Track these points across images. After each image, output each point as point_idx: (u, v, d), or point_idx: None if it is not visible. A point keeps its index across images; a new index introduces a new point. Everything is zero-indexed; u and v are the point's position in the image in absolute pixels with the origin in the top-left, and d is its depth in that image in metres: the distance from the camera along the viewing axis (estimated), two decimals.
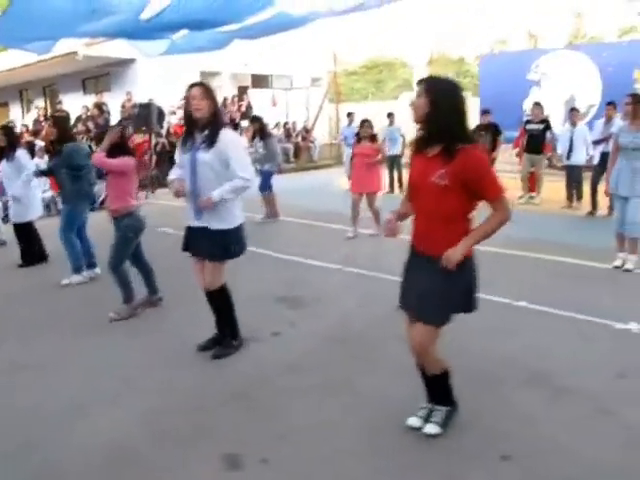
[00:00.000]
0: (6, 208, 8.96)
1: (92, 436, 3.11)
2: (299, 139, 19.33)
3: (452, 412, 3.07)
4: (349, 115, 13.89)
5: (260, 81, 20.93)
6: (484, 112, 11.02)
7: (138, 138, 13.80)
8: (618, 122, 7.10)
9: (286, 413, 3.30)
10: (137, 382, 3.77)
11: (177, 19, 7.81)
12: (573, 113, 9.67)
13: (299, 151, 18.70)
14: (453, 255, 2.61)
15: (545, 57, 14.87)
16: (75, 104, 16.98)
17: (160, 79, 16.34)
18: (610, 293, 5.23)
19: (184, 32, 9.59)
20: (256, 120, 9.51)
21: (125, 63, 16.63)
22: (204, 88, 3.80)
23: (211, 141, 3.72)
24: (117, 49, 14.03)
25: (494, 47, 33.72)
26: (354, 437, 3.03)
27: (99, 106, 15.40)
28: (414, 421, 3.03)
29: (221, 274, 4.01)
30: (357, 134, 8.37)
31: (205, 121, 3.77)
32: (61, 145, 5.96)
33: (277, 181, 9.50)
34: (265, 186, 9.12)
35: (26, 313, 5.25)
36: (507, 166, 12.20)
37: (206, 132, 3.77)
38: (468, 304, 2.86)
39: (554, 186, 10.29)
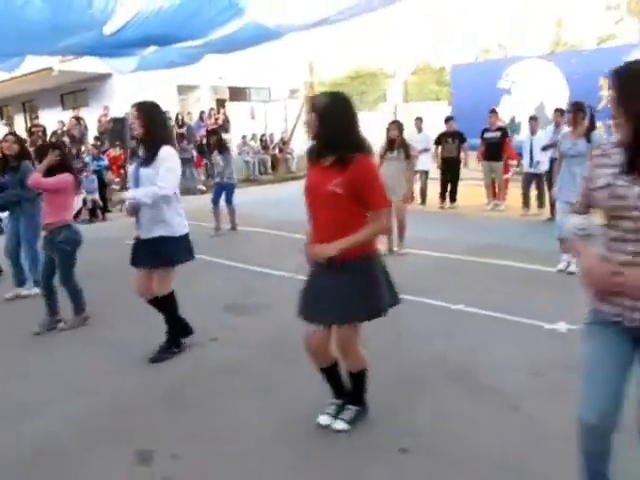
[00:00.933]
0: None
1: (18, 439, 3.23)
2: (276, 151, 19.48)
3: (361, 412, 3.22)
4: None
5: (238, 94, 21.12)
6: (448, 119, 11.26)
7: (114, 152, 13.95)
8: (566, 128, 7.25)
9: (208, 413, 3.43)
10: (75, 387, 3.89)
11: (139, 34, 7.93)
12: (532, 122, 9.86)
13: (276, 163, 18.84)
14: (321, 250, 2.77)
15: (515, 66, 15.15)
16: (54, 119, 17.11)
17: (137, 94, 16.45)
18: (547, 295, 5.39)
19: (153, 48, 9.74)
20: (214, 134, 9.68)
21: (102, 78, 16.76)
22: (137, 108, 4.03)
23: (150, 157, 3.97)
24: (92, 65, 14.10)
25: (479, 56, 34.09)
26: (268, 436, 3.16)
27: (77, 118, 15.58)
28: (324, 419, 3.16)
29: (168, 282, 4.20)
30: None
31: (142, 138, 4.04)
32: (19, 162, 6.06)
33: (254, 193, 9.63)
34: (218, 199, 9.26)
35: None
36: (476, 174, 12.37)
37: (146, 149, 4.04)
38: (392, 299, 2.98)
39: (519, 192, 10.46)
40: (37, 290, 6.17)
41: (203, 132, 16.67)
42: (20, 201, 6.06)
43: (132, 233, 4.25)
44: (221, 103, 19.83)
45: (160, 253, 4.05)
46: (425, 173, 11.55)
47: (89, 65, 14.35)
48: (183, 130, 17.35)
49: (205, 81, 19.34)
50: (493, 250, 7.23)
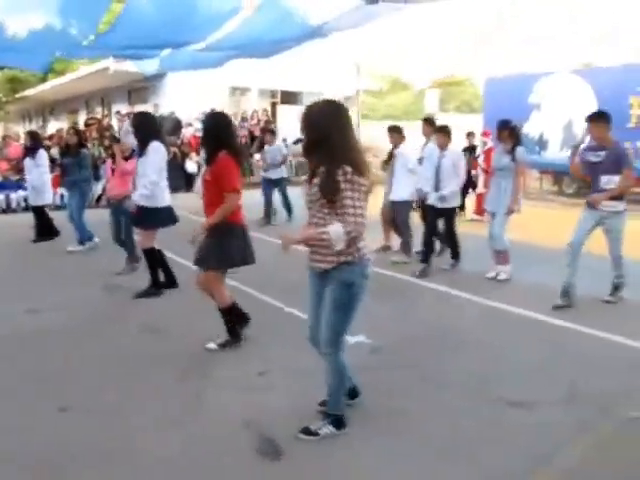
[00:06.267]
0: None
1: None
2: None
3: (230, 342, 4.34)
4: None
5: (290, 97, 21.97)
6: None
7: None
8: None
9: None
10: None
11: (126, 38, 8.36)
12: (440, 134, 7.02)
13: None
14: (198, 228, 4.14)
15: (546, 80, 14.84)
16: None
17: (190, 93, 17.78)
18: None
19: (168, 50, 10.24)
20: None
21: (159, 77, 17.96)
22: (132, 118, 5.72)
23: (143, 151, 5.55)
24: (140, 65, 15.41)
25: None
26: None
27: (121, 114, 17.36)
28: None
29: (148, 239, 5.66)
30: None
31: (137, 137, 5.68)
32: (77, 149, 7.93)
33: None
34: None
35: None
36: None
37: (140, 144, 5.65)
38: (242, 260, 4.20)
39: None
40: (80, 247, 8.06)
41: (245, 132, 17.67)
42: (76, 181, 7.93)
43: None
44: (272, 106, 20.77)
45: (138, 217, 5.62)
46: None
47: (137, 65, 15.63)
48: None
49: (256, 84, 20.36)
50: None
